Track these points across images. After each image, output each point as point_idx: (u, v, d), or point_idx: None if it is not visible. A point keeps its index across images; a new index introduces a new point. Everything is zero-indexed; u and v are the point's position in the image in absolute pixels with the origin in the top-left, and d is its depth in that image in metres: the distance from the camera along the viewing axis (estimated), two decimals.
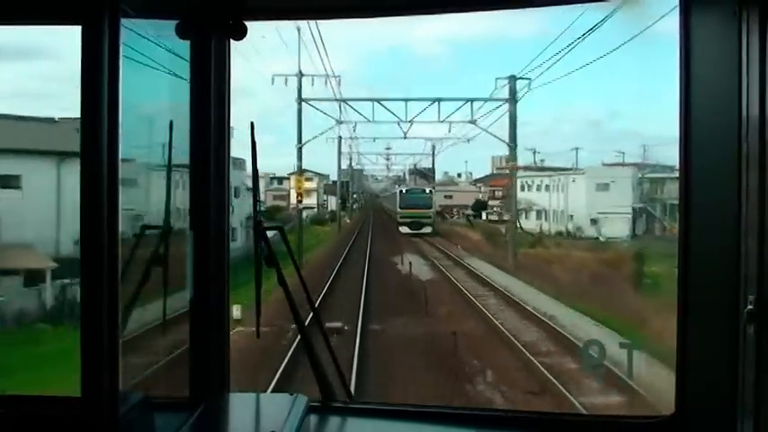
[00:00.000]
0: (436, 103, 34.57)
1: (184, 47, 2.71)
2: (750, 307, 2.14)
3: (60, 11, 2.17)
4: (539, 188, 50.94)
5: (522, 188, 51.93)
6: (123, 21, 1.95)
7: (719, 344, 2.26)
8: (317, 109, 35.54)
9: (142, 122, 2.57)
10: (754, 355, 2.14)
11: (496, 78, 33.87)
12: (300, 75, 33.52)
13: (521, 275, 27.20)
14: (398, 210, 51.26)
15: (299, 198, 36.65)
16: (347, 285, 24.84)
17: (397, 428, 2.86)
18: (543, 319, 18.58)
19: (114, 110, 1.91)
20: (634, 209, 39.52)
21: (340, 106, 36.50)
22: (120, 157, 1.95)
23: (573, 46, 23.71)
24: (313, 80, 33.46)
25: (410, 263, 29.31)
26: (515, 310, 20.53)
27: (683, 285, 2.37)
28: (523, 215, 47.30)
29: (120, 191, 1.96)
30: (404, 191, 53.65)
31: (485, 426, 2.82)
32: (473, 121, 35.83)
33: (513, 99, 33.62)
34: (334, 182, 62.22)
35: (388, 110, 35.06)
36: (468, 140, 42.21)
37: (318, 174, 71.19)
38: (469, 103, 34.92)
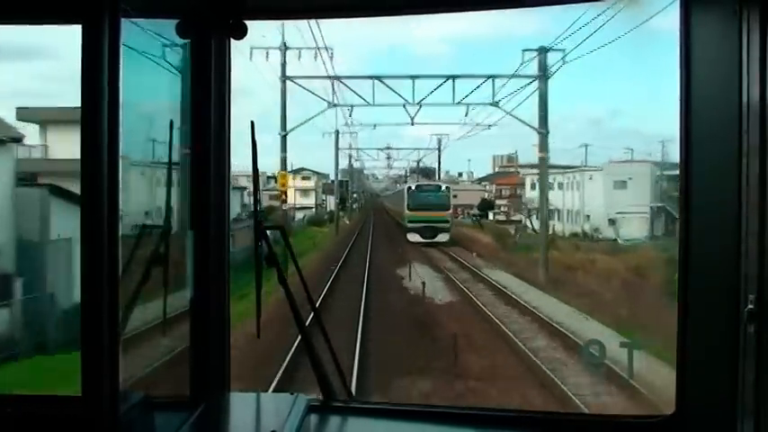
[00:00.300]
0: (450, 81, 28.44)
1: (185, 46, 2.71)
2: (750, 306, 2.14)
3: (60, 10, 2.17)
4: (550, 186, 45.37)
5: (533, 186, 48.47)
6: (123, 20, 1.95)
7: (720, 343, 2.26)
8: (305, 89, 29.49)
9: (142, 122, 2.57)
10: (755, 355, 2.14)
11: (523, 50, 27.72)
12: (285, 48, 28.65)
13: (557, 293, 21.54)
14: (406, 212, 40.26)
15: (284, 197, 30.47)
16: (339, 313, 17.91)
17: (397, 428, 2.86)
18: (631, 382, 11.59)
19: (114, 109, 1.91)
20: (652, 208, 36.65)
21: (333, 85, 29.72)
22: (120, 156, 1.95)
23: (605, 21, 20.31)
24: (300, 53, 28.44)
25: (423, 282, 22.59)
26: (583, 363, 13.55)
27: (684, 285, 2.37)
28: (534, 215, 43.35)
29: (121, 190, 1.96)
30: (413, 188, 42.45)
31: (485, 426, 2.82)
32: (495, 103, 28.99)
33: (543, 75, 27.27)
34: (333, 181, 58.51)
35: (392, 90, 28.68)
36: (490, 126, 34.12)
37: (317, 172, 70.00)
38: (490, 81, 28.43)
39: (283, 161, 29.77)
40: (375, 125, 41.15)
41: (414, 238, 38.50)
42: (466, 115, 31.80)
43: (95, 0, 1.91)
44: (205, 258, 2.73)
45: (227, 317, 2.86)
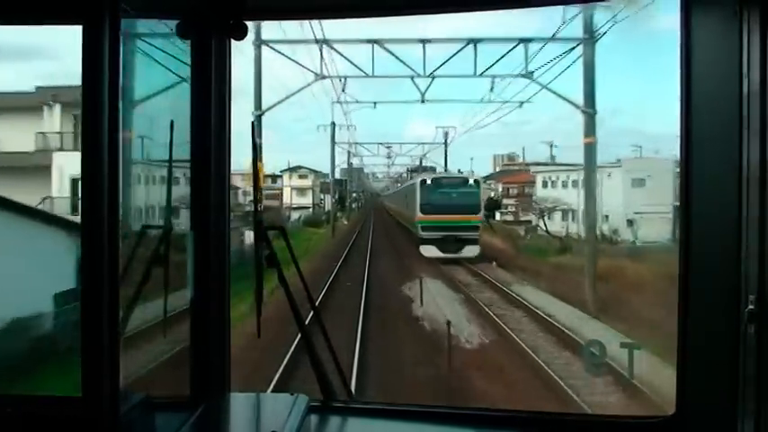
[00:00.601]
0: (471, 46, 22.47)
1: (185, 46, 2.71)
2: (751, 306, 2.14)
3: (60, 10, 2.18)
4: (564, 184, 41.95)
5: (544, 184, 46.05)
6: (124, 20, 1.95)
7: (720, 344, 2.26)
8: (285, 56, 23.85)
9: (142, 122, 2.57)
10: (755, 355, 2.15)
11: (564, 6, 21.34)
12: None
13: (617, 323, 15.81)
14: (419, 216, 29.64)
15: (258, 196, 20.84)
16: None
17: (397, 428, 2.86)
18: None
19: (115, 110, 1.91)
20: (675, 207, 31.73)
21: (321, 52, 23.41)
22: (120, 156, 1.95)
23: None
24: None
25: (448, 322, 14.61)
26: None
27: (684, 285, 2.37)
28: (547, 215, 40.26)
29: (121, 190, 1.96)
30: (429, 181, 31.03)
31: (485, 426, 2.82)
32: (528, 75, 22.88)
33: (590, 38, 20.93)
34: (335, 180, 55.79)
35: (397, 57, 22.75)
36: (521, 104, 26.64)
37: (314, 171, 68.73)
38: (523, 48, 22.24)
39: (257, 149, 24.43)
40: (375, 103, 33.30)
41: (430, 252, 28.24)
42: (491, 90, 24.91)
43: (95, 0, 1.91)
44: (205, 258, 2.73)
45: (228, 317, 2.86)
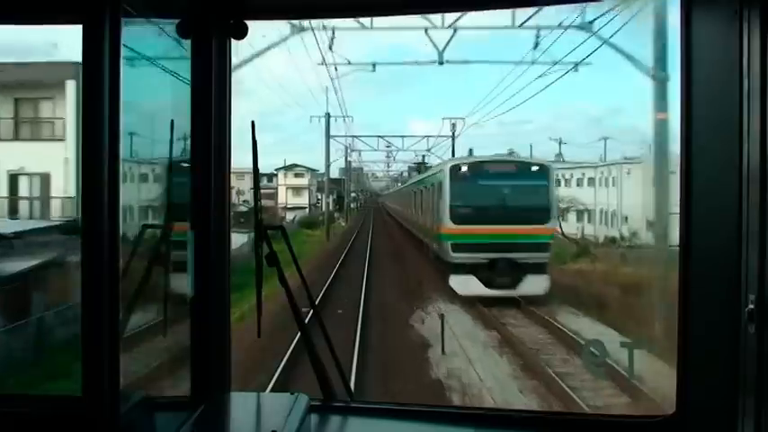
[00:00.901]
0: None
1: (185, 46, 2.71)
2: (751, 306, 2.14)
3: (61, 10, 2.18)
4: (579, 183, 38.44)
5: (558, 183, 43.51)
6: (124, 20, 1.95)
7: (720, 343, 2.26)
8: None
9: (143, 122, 2.57)
10: (755, 355, 2.15)
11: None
12: None
13: None
14: (447, 226, 19.44)
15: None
16: None
17: (397, 428, 2.86)
18: None
19: (115, 109, 1.92)
20: None
21: None
22: (120, 156, 1.95)
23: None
24: None
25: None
26: None
27: (684, 285, 2.38)
28: (562, 217, 35.15)
29: (121, 190, 1.96)
30: (463, 169, 20.18)
31: (485, 425, 2.82)
32: (586, 25, 17.37)
33: None
34: (332, 179, 53.36)
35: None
36: (576, 66, 19.56)
37: (311, 170, 66.87)
38: None
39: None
40: (374, 64, 25.74)
41: (467, 286, 18.15)
42: (534, 48, 18.94)
43: (95, 0, 1.91)
44: (206, 258, 2.73)
45: (228, 317, 2.86)
